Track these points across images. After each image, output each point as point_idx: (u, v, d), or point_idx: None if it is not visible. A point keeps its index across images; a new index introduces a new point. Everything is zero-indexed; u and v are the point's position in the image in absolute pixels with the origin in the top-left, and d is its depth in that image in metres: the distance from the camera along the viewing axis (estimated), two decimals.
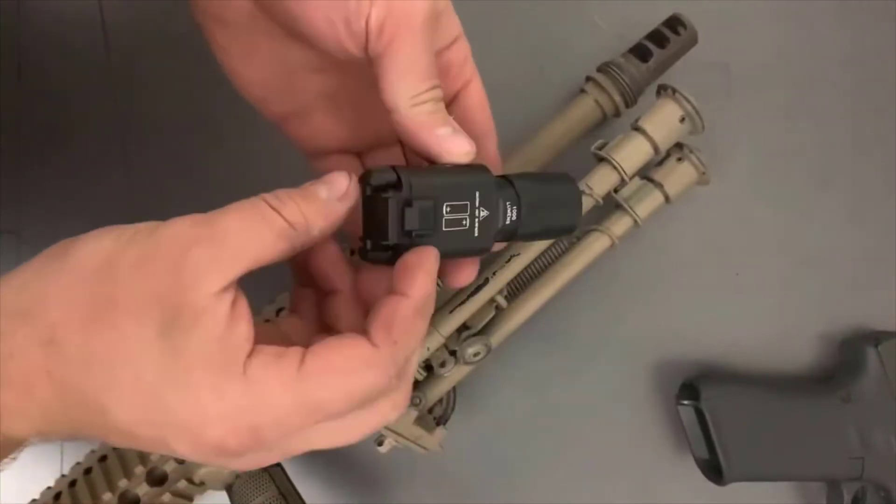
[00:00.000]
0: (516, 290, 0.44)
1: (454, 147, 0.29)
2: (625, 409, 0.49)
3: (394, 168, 0.28)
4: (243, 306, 0.26)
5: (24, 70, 0.50)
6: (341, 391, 0.25)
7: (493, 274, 0.41)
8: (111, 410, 0.24)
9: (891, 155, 0.50)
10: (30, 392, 0.24)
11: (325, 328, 0.32)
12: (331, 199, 0.28)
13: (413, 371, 0.30)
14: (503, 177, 0.31)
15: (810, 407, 0.45)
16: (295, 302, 0.32)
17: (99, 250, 0.25)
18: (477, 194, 0.29)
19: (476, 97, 0.32)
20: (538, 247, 0.42)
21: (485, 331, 0.42)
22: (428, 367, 0.42)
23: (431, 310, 0.29)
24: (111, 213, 0.49)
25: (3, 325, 0.24)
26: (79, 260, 0.25)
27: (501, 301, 0.42)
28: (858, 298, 0.49)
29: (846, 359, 0.47)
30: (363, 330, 0.27)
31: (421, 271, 0.28)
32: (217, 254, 0.25)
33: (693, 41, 0.45)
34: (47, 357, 0.24)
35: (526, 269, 0.43)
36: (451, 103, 0.32)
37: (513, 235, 0.31)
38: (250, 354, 0.25)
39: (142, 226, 0.26)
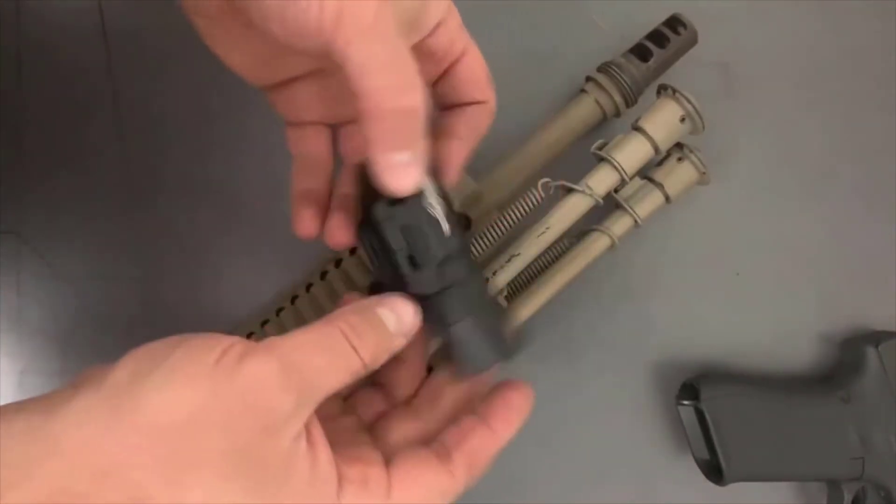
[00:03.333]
0: (516, 290, 0.44)
1: (393, 183, 0.27)
2: (625, 409, 0.49)
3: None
4: (316, 430, 0.26)
5: (23, 70, 0.50)
6: None
7: (493, 274, 0.41)
8: None
9: (890, 155, 0.50)
10: None
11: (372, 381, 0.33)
12: (397, 334, 0.28)
13: (473, 482, 0.31)
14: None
15: (810, 407, 0.45)
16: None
17: (178, 405, 0.23)
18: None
19: (466, 72, 0.32)
20: (538, 247, 0.42)
21: None
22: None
23: None
24: (111, 213, 0.49)
25: (85, 488, 0.23)
26: (156, 414, 0.23)
27: (501, 301, 0.42)
28: (858, 298, 0.49)
29: (846, 359, 0.47)
30: (444, 450, 0.28)
31: (521, 415, 0.30)
32: (299, 401, 0.25)
33: (693, 41, 0.45)
34: None
35: (526, 269, 0.43)
36: (440, 79, 0.32)
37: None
38: (340, 485, 0.25)
39: (216, 354, 0.24)
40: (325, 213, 0.33)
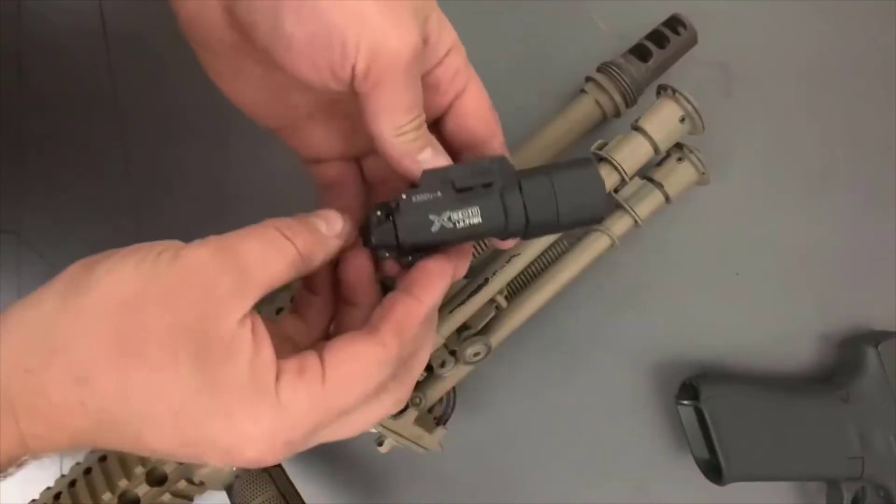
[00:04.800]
0: (516, 290, 0.44)
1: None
2: (625, 409, 0.49)
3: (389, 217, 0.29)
4: (261, 326, 0.26)
5: (24, 71, 0.50)
6: (360, 394, 0.27)
7: (494, 274, 0.41)
8: (147, 438, 0.25)
9: (890, 154, 0.50)
10: (61, 422, 0.25)
11: (330, 336, 0.32)
12: (329, 234, 0.29)
13: (419, 371, 0.31)
14: (516, 172, 0.30)
15: (810, 407, 0.45)
16: (300, 306, 0.33)
17: (122, 282, 0.25)
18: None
19: (471, 105, 0.32)
20: (538, 247, 0.42)
21: (485, 331, 0.42)
22: (428, 367, 0.42)
23: (437, 315, 0.31)
24: (111, 212, 0.49)
25: (34, 363, 0.24)
26: (103, 293, 0.25)
27: (501, 301, 0.42)
28: (858, 298, 0.49)
29: (846, 359, 0.47)
30: (371, 327, 0.28)
31: (440, 281, 0.30)
32: (240, 283, 0.26)
33: (693, 41, 0.45)
34: (81, 391, 0.24)
35: (526, 269, 0.43)
36: (444, 115, 0.32)
37: (523, 234, 0.30)
38: (277, 377, 0.26)
39: (160, 248, 0.26)
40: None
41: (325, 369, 0.27)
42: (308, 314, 0.32)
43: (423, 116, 0.30)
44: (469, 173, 0.29)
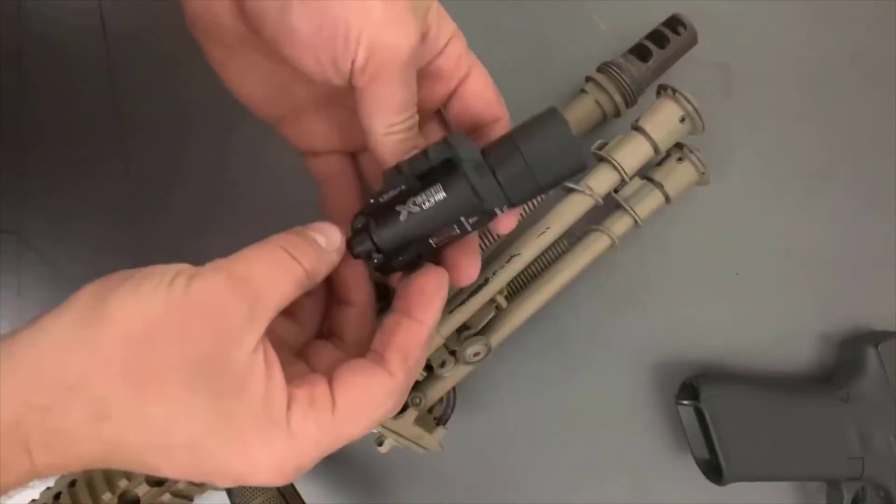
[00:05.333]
0: (516, 290, 0.44)
1: None
2: (625, 409, 0.49)
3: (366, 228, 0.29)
4: (271, 352, 0.27)
5: (24, 70, 0.50)
6: (369, 423, 0.28)
7: (494, 274, 0.41)
8: (162, 466, 0.26)
9: (891, 155, 0.50)
10: (77, 455, 0.25)
11: (324, 334, 0.33)
12: (329, 249, 0.29)
13: (416, 375, 0.31)
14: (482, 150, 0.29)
15: (810, 407, 0.45)
16: (291, 308, 0.32)
17: (136, 315, 0.25)
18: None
19: (475, 89, 0.33)
20: (538, 247, 0.42)
21: (485, 331, 0.42)
22: (428, 367, 0.42)
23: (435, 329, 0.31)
24: (111, 212, 0.49)
25: (50, 401, 0.24)
26: (118, 326, 0.24)
27: (501, 301, 0.42)
28: (858, 298, 0.49)
29: (846, 359, 0.47)
30: (377, 355, 0.29)
31: (437, 298, 0.30)
32: (252, 311, 0.26)
33: (693, 41, 0.45)
34: (100, 428, 0.24)
35: (526, 269, 0.43)
36: (449, 101, 0.33)
37: (504, 201, 0.29)
38: (289, 405, 0.26)
39: (172, 274, 0.26)
40: None
41: (335, 399, 0.27)
42: (300, 315, 0.33)
43: (416, 119, 0.30)
44: (424, 158, 0.29)
